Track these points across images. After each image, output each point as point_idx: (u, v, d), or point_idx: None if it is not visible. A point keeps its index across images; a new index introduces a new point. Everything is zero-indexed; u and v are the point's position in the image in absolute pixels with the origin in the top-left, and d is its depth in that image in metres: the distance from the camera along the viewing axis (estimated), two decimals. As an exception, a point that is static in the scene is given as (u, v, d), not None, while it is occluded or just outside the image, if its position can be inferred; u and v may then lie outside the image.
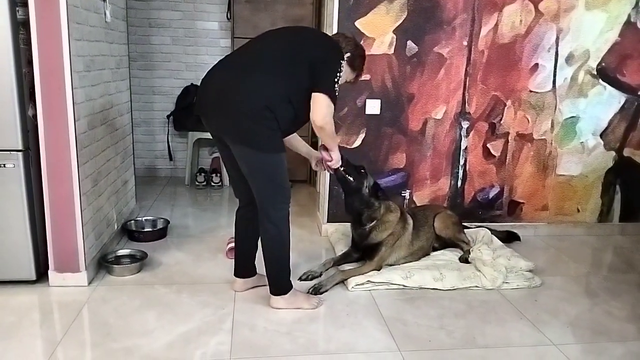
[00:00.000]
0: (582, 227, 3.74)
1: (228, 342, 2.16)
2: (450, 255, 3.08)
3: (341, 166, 2.63)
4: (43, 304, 2.46)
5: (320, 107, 2.14)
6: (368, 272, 2.75)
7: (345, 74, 2.34)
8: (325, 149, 2.51)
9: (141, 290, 2.59)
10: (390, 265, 2.87)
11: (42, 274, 2.60)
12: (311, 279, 2.75)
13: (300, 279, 2.75)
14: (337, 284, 2.69)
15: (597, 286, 2.87)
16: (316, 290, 2.60)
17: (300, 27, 2.69)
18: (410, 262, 2.94)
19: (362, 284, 2.68)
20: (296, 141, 2.60)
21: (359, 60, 2.41)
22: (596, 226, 3.76)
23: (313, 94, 2.14)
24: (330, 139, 2.36)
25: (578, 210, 3.73)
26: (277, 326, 2.30)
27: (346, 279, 2.71)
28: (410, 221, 2.98)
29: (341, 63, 2.23)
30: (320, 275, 2.80)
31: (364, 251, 2.88)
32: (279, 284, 2.43)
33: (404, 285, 2.71)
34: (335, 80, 2.17)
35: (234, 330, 2.25)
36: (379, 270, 2.78)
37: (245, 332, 2.24)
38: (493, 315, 2.49)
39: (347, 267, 2.85)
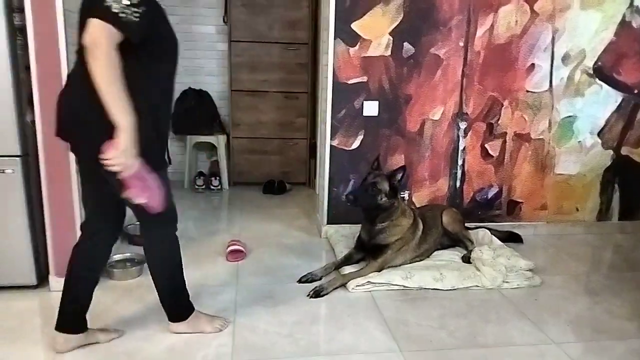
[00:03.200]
0: (581, 226, 3.75)
1: (229, 344, 2.16)
2: (450, 255, 3.08)
3: (350, 194, 2.75)
4: (44, 309, 2.46)
5: (93, 28, 1.59)
6: (369, 274, 2.75)
7: None
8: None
9: (142, 294, 2.59)
10: (395, 267, 2.87)
11: (42, 279, 2.60)
12: (311, 282, 2.75)
13: (300, 281, 2.75)
14: (337, 287, 2.69)
15: (597, 285, 2.88)
16: (317, 294, 2.60)
17: None
18: (415, 263, 2.95)
19: (363, 284, 2.68)
20: None
21: None
22: (595, 225, 3.77)
23: (88, 23, 1.61)
24: (108, 81, 1.60)
25: (577, 209, 3.74)
26: (278, 328, 2.30)
27: (347, 282, 2.71)
28: (421, 226, 2.98)
29: None
30: (321, 278, 2.79)
31: (369, 250, 2.87)
32: (178, 309, 2.21)
33: (404, 286, 2.71)
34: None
35: (234, 333, 2.25)
36: (379, 272, 2.78)
37: (246, 335, 2.24)
38: (494, 315, 2.49)
39: (348, 269, 2.85)
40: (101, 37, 1.59)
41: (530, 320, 2.44)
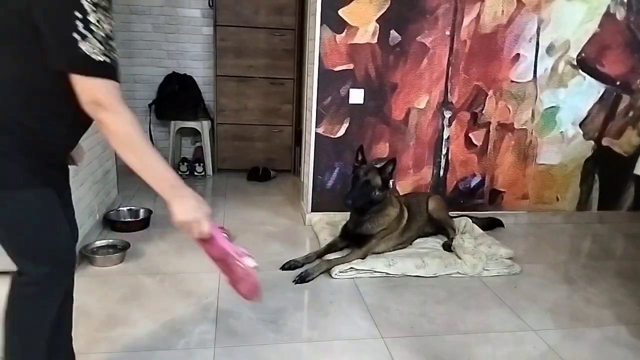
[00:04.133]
0: (561, 215, 3.81)
1: (212, 331, 2.16)
2: (432, 243, 3.12)
3: (349, 200, 2.71)
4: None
5: (83, 89, 1.21)
6: (353, 260, 2.76)
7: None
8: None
9: (124, 280, 2.58)
10: (377, 254, 2.89)
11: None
12: (294, 269, 2.76)
13: (282, 267, 2.76)
14: (322, 272, 2.70)
15: (575, 273, 2.94)
16: (302, 279, 2.62)
17: None
18: (397, 250, 2.97)
19: (346, 271, 2.70)
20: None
21: None
22: (575, 214, 3.83)
23: (72, 78, 1.21)
24: (130, 148, 1.31)
25: (557, 199, 3.79)
26: (261, 315, 2.31)
27: (331, 268, 2.73)
28: (406, 215, 3.02)
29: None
30: (303, 265, 2.79)
31: (353, 238, 2.89)
32: None
33: (387, 273, 2.73)
34: (80, 32, 1.16)
35: (218, 319, 2.25)
36: (363, 259, 2.80)
37: (230, 321, 2.24)
38: (474, 302, 2.53)
39: (332, 256, 2.86)
40: (104, 95, 1.22)
41: (509, 307, 2.49)
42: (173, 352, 2.01)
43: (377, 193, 2.79)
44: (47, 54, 1.19)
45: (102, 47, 1.20)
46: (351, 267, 2.72)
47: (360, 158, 2.89)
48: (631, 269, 3.03)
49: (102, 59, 1.21)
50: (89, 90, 1.21)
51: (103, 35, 1.21)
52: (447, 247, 3.04)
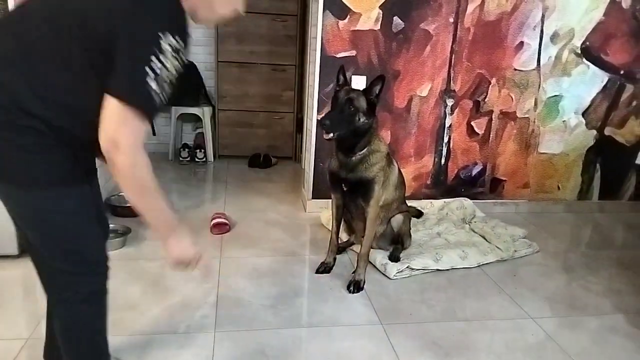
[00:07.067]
0: (562, 204, 3.82)
1: (212, 315, 2.18)
2: (455, 231, 3.13)
3: (325, 119, 2.24)
4: (26, 278, 2.44)
5: (111, 119, 1.16)
6: (374, 227, 2.50)
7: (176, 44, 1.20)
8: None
9: (125, 265, 2.59)
10: (382, 208, 2.53)
11: (24, 249, 2.58)
12: (329, 271, 2.63)
13: (317, 271, 2.63)
14: (366, 267, 2.54)
15: (575, 262, 2.95)
16: (358, 289, 2.45)
17: None
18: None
19: (402, 271, 2.59)
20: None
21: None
22: (576, 204, 3.83)
23: (109, 103, 1.17)
24: (138, 193, 1.28)
25: (558, 188, 3.79)
26: (261, 300, 2.32)
27: (369, 258, 2.57)
28: (396, 164, 2.61)
29: (160, 35, 1.16)
30: (334, 262, 2.67)
31: (349, 188, 2.45)
32: None
33: (437, 269, 2.67)
34: (153, 68, 1.16)
35: (218, 304, 2.27)
36: (381, 223, 2.58)
37: (230, 306, 2.26)
38: (473, 290, 2.54)
39: (344, 235, 2.84)
40: (125, 136, 1.17)
41: (508, 295, 2.50)
42: (174, 336, 2.03)
43: (361, 119, 2.28)
44: (108, 74, 1.16)
45: (162, 88, 1.21)
46: (407, 267, 2.61)
47: (341, 81, 2.40)
48: (631, 258, 3.04)
49: (157, 101, 1.20)
50: (116, 123, 1.16)
51: (167, 79, 1.21)
52: (396, 258, 2.69)
